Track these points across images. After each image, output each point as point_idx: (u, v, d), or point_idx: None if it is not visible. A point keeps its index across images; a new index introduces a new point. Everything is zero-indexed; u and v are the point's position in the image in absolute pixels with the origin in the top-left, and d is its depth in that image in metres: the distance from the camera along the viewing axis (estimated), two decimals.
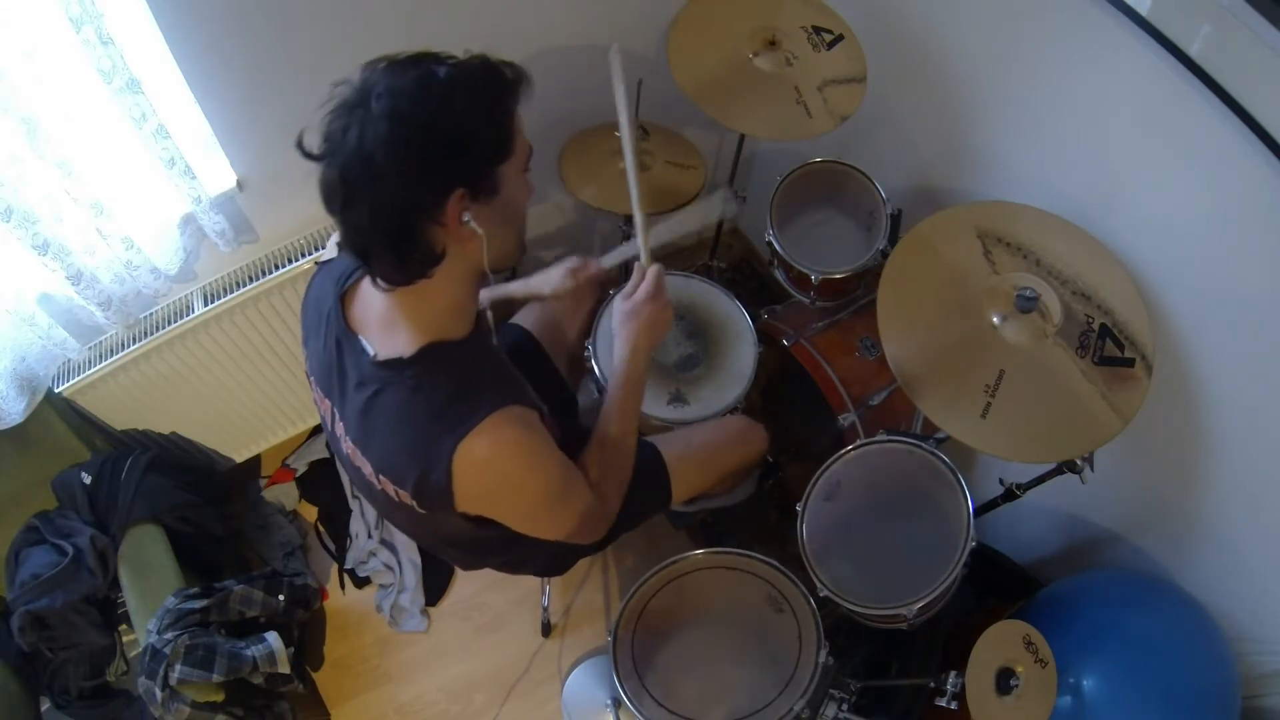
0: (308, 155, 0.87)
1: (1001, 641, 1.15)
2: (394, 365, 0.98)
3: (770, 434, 1.54)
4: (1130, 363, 1.18)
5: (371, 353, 0.99)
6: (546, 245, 2.18)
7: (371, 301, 1.00)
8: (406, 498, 1.01)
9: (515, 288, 1.43)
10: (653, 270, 1.18)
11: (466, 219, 0.90)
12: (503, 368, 1.08)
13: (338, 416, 1.07)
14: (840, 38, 1.56)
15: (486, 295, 1.41)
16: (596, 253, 1.33)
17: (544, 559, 1.43)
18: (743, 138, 1.76)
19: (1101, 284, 1.24)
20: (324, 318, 1.05)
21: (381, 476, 1.03)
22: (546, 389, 1.53)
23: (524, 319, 1.60)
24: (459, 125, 0.87)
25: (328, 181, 0.87)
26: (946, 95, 1.55)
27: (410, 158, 0.84)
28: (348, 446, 1.07)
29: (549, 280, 1.36)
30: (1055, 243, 1.27)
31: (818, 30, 1.57)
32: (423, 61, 0.87)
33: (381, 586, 2.05)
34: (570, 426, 1.24)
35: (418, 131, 0.84)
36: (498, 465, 0.97)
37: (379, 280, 0.94)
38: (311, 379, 1.12)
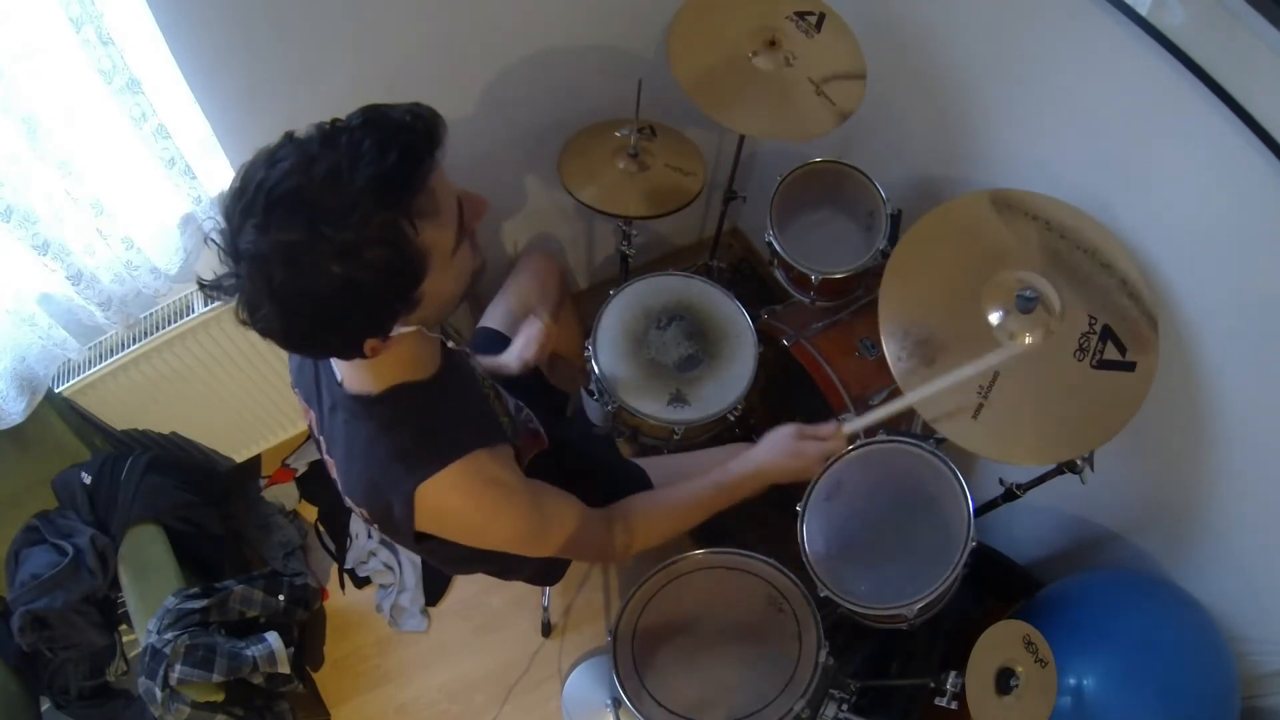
0: (242, 321, 0.81)
1: (1001, 641, 1.15)
2: (362, 400, 0.96)
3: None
4: (1131, 366, 1.18)
5: (339, 378, 0.99)
6: (546, 243, 2.18)
7: None
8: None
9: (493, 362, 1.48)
10: (840, 444, 1.25)
11: (394, 333, 0.85)
12: (471, 406, 1.07)
13: (320, 428, 1.09)
14: (822, 16, 1.55)
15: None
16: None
17: (533, 568, 1.44)
18: (743, 138, 1.76)
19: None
20: None
21: (347, 497, 1.05)
22: (530, 389, 1.53)
23: (492, 319, 1.59)
24: (345, 288, 0.76)
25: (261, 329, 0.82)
26: (946, 96, 1.55)
27: (307, 333, 0.81)
28: (327, 458, 1.09)
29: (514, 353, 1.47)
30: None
31: (801, 15, 1.55)
32: (280, 202, 0.73)
33: (381, 586, 2.05)
34: (557, 425, 1.24)
35: (299, 312, 0.77)
36: (460, 512, 0.98)
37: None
38: (297, 390, 1.13)
